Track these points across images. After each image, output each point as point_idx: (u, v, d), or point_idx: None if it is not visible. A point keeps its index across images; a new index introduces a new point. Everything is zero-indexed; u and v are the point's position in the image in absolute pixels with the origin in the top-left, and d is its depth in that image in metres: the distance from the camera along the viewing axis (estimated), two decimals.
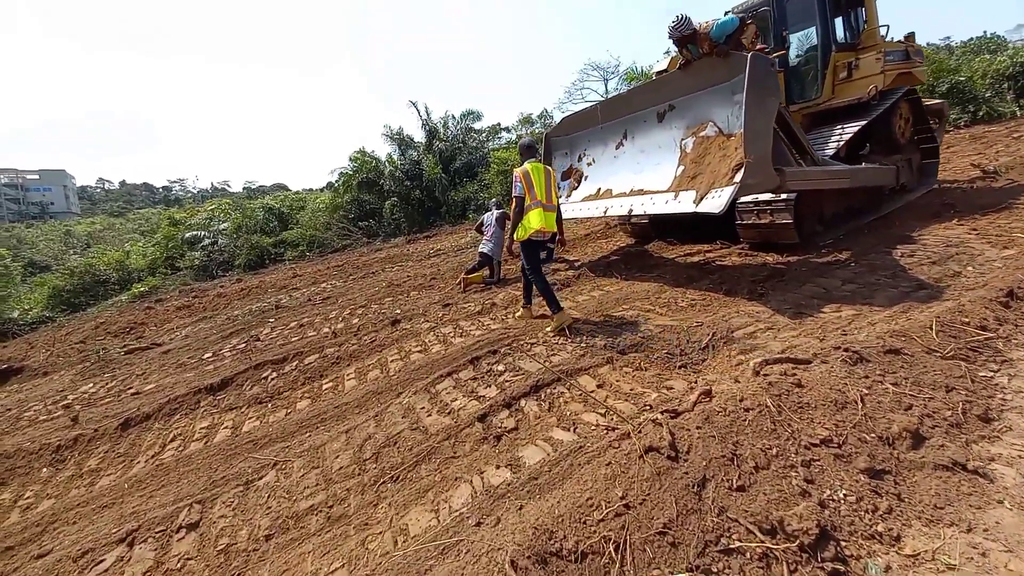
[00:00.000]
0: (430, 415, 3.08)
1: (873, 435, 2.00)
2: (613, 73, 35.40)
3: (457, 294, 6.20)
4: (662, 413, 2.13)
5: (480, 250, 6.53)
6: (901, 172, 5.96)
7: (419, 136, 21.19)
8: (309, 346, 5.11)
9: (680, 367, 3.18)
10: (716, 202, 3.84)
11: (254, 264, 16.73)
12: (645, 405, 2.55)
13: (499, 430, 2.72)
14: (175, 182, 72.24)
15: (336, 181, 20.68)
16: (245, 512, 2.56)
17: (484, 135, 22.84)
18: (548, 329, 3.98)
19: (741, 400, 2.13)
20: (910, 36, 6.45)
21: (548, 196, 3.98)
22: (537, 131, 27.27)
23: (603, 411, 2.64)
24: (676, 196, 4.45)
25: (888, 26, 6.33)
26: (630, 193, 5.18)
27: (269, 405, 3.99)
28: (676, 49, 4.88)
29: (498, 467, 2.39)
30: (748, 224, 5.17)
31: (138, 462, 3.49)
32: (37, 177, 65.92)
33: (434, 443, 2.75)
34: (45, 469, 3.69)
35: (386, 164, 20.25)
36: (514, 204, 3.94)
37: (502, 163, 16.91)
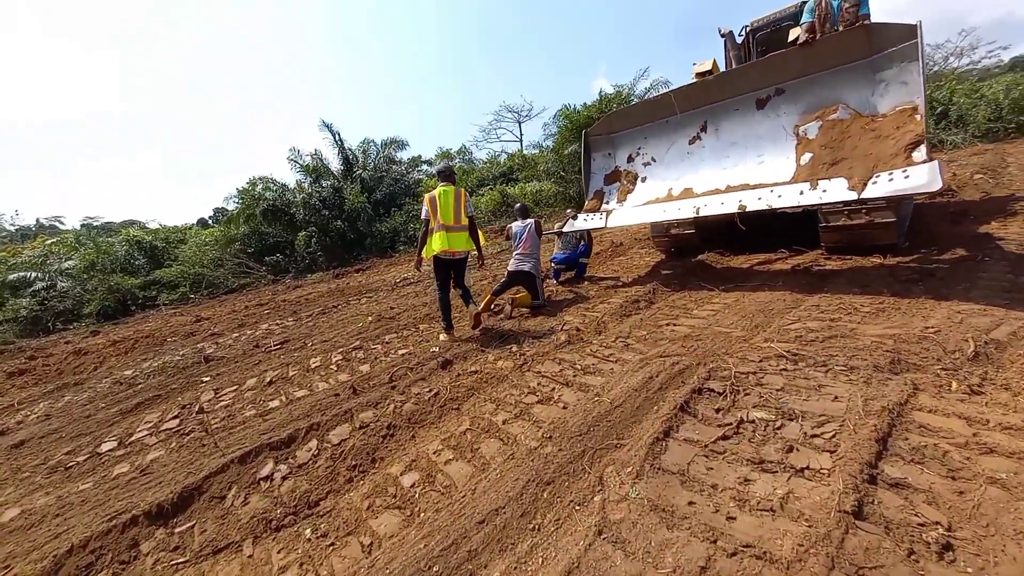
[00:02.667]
0: (730, 518, 1.67)
1: None
2: (526, 116, 36.95)
3: (503, 323, 4.72)
4: None
5: (515, 268, 5.15)
6: None
7: (334, 163, 18.93)
8: (318, 412, 3.21)
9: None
10: (909, 182, 3.17)
11: (112, 312, 12.74)
12: None
13: (929, 534, 1.45)
14: None
15: (216, 215, 17.31)
16: None
17: (404, 166, 21.45)
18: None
19: None
20: None
21: (456, 218, 4.25)
22: (458, 165, 26.70)
23: None
24: (813, 186, 3.75)
25: None
26: (727, 190, 4.39)
27: (308, 533, 2.12)
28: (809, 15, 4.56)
29: None
30: (837, 226, 4.67)
31: None
32: None
33: None
34: None
35: (296, 192, 17.60)
36: (423, 226, 4.28)
37: None
